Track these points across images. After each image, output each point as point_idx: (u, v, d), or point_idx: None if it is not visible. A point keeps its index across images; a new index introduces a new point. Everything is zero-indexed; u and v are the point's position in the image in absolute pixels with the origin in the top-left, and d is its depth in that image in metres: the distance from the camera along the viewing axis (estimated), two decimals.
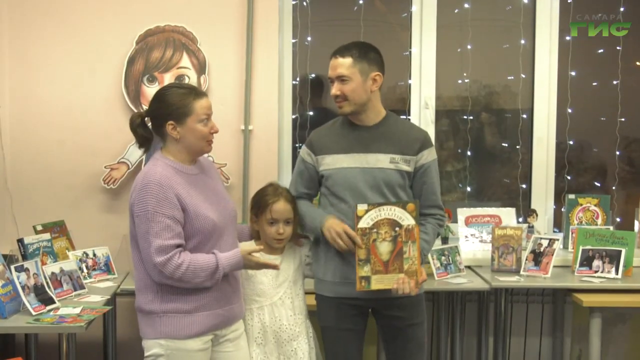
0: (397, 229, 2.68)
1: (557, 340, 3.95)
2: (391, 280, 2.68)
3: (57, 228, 3.49)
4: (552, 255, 3.45)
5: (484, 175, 4.22)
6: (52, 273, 3.08)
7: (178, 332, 2.50)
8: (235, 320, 2.69)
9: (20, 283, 2.80)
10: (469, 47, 4.04)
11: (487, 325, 3.81)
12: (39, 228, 3.40)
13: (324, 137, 2.90)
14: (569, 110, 4.03)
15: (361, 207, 2.69)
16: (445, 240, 3.75)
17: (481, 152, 4.16)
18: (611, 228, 3.75)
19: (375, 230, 2.68)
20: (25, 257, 3.19)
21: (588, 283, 3.40)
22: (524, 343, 4.00)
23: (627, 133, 4.10)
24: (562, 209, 3.97)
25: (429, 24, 3.98)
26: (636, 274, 3.54)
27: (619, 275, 3.42)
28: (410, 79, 4.02)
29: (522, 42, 4.04)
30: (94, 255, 3.46)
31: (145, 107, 3.09)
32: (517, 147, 4.10)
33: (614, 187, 4.13)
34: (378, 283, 2.69)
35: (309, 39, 3.98)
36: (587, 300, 3.28)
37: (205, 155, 2.70)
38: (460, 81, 4.10)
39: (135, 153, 3.66)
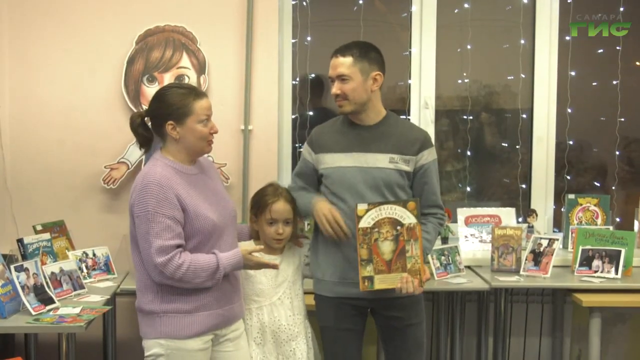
0: (398, 227, 2.67)
1: (556, 340, 3.95)
2: (394, 280, 2.67)
3: (57, 228, 3.49)
4: (552, 255, 3.45)
5: (483, 175, 4.22)
6: (52, 273, 3.08)
7: (178, 332, 2.50)
8: (236, 319, 2.68)
9: (20, 283, 2.80)
10: (468, 47, 4.04)
11: (487, 325, 3.81)
12: (39, 228, 3.39)
13: (325, 135, 2.90)
14: (569, 110, 4.03)
15: (361, 207, 2.68)
16: (445, 240, 3.74)
17: (481, 152, 4.16)
18: (611, 228, 3.75)
19: (376, 229, 2.67)
20: (25, 257, 3.19)
21: (588, 283, 3.40)
22: (524, 343, 3.99)
23: (626, 133, 4.10)
24: (562, 209, 3.97)
25: (429, 24, 3.98)
26: (636, 274, 3.54)
27: (619, 275, 3.42)
28: (410, 78, 4.02)
29: (522, 42, 4.04)
30: (94, 255, 3.46)
31: (145, 107, 3.09)
32: (517, 147, 4.09)
33: (613, 187, 4.12)
34: (381, 283, 2.68)
35: (308, 39, 3.98)
36: (587, 300, 3.28)
37: (205, 155, 2.70)
38: (460, 81, 4.10)
39: (135, 153, 3.66)
